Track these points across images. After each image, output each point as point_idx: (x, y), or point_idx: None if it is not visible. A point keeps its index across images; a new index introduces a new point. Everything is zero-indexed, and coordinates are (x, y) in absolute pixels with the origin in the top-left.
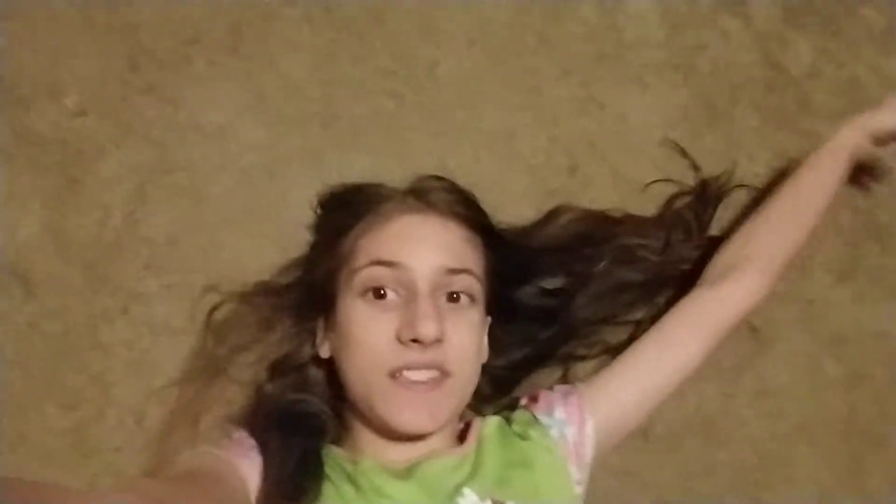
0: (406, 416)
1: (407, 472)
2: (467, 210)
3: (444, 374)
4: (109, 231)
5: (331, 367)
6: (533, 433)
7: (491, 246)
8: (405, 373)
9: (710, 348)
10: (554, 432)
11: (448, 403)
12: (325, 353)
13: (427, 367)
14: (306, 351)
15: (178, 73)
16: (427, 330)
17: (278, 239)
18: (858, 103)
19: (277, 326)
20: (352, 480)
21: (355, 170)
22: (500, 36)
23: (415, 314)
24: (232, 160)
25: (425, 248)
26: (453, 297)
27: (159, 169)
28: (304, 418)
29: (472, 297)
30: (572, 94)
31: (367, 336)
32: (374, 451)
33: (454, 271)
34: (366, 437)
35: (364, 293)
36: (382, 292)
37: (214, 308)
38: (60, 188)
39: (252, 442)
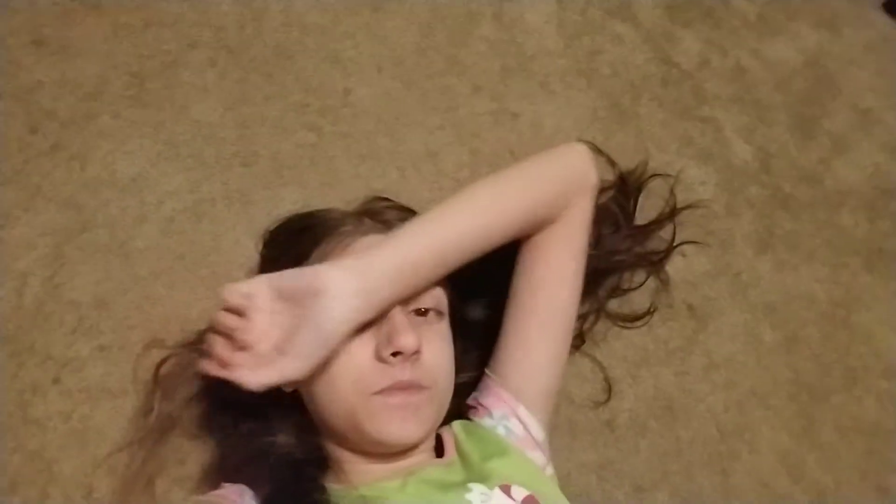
0: (394, 427)
1: (404, 484)
2: None
3: (420, 388)
4: (29, 299)
5: (293, 401)
6: (489, 429)
7: None
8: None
9: (582, 276)
10: (501, 430)
11: (430, 411)
12: (289, 387)
13: (409, 385)
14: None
15: (82, 130)
16: (407, 341)
17: (215, 283)
18: (747, 86)
19: None
20: (357, 500)
21: (285, 204)
22: (408, 61)
23: (392, 328)
24: (152, 210)
25: None
26: (421, 312)
27: (75, 228)
28: (302, 463)
29: (439, 311)
30: (486, 108)
31: (346, 359)
32: (362, 476)
33: None
34: (351, 464)
35: None
36: None
37: (161, 363)
38: None
39: (242, 487)
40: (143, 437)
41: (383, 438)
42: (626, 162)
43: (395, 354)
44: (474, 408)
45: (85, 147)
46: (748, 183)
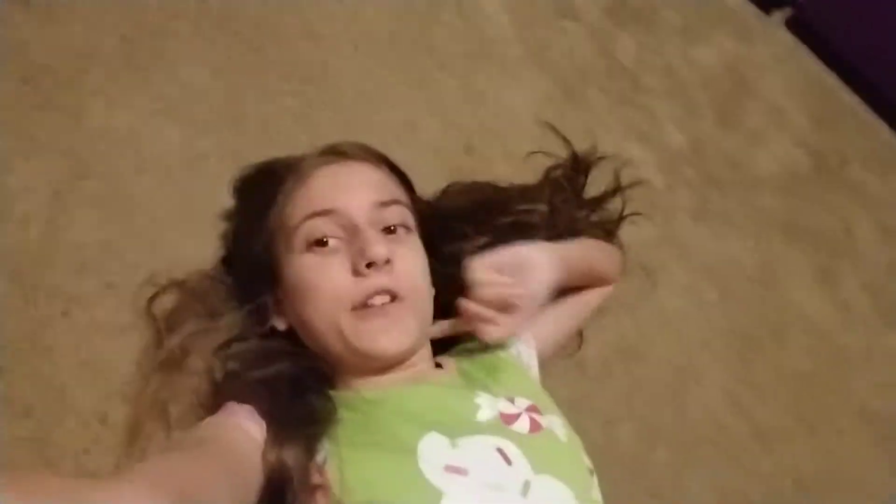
0: (382, 340)
1: (413, 386)
2: (381, 156)
3: (397, 298)
4: (33, 240)
5: (290, 339)
6: (498, 350)
7: (408, 190)
8: (368, 301)
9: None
10: (513, 350)
11: (411, 320)
12: (281, 325)
13: (385, 291)
14: (259, 330)
15: (77, 85)
16: (377, 250)
17: (214, 231)
18: (678, 82)
19: (227, 313)
20: (364, 405)
21: None
22: (382, 41)
23: (362, 243)
24: (149, 161)
25: (353, 190)
26: (390, 230)
27: (74, 176)
28: (300, 377)
29: (407, 227)
30: (454, 85)
31: (324, 280)
32: (367, 385)
33: (385, 203)
34: (354, 377)
35: (308, 247)
36: (325, 240)
37: (153, 298)
38: None
39: (247, 407)
40: (155, 367)
41: (374, 351)
42: (577, 140)
43: (369, 266)
44: None
45: (80, 101)
46: (683, 164)
